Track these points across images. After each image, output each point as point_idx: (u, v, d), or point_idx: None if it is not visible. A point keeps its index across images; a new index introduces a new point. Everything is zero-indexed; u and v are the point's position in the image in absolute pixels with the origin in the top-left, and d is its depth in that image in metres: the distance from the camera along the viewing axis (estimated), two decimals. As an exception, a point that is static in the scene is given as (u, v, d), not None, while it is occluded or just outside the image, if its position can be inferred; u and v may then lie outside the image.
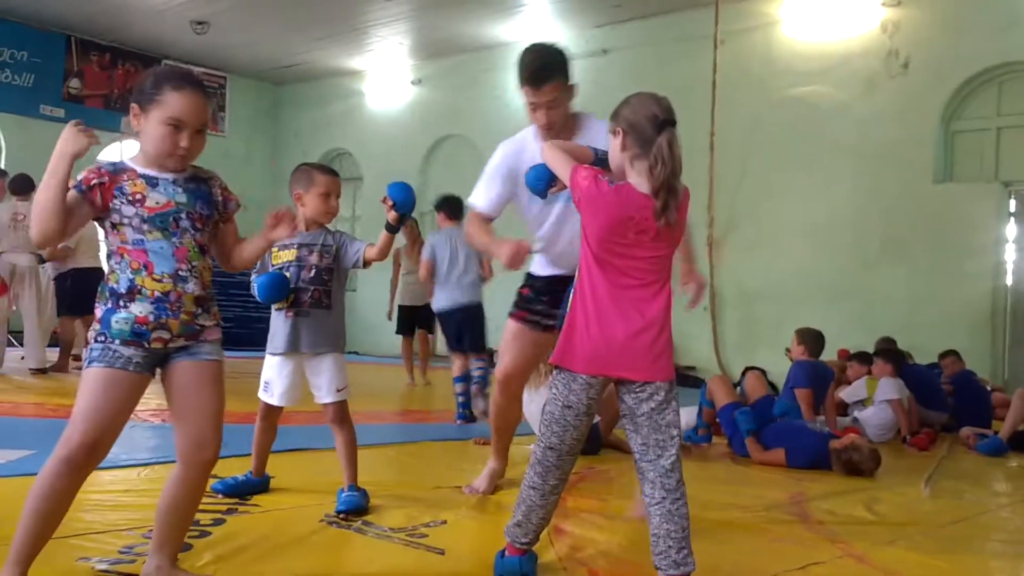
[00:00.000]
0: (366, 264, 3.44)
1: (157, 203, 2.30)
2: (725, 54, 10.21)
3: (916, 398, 6.64)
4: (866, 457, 4.88)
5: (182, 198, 2.33)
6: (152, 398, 6.70)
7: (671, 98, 2.55)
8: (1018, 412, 6.15)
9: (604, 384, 2.54)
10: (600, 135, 3.06)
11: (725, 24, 10.22)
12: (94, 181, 2.27)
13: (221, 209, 2.43)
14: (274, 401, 3.52)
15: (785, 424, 5.40)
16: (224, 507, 3.34)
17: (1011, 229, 9.36)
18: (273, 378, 3.51)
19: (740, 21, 10.50)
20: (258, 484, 3.61)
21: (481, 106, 13.43)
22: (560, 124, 3.38)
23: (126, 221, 2.28)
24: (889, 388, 6.40)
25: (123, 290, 2.26)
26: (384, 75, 14.82)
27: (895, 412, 6.32)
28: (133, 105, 2.34)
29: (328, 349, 3.46)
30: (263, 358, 3.56)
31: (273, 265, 3.49)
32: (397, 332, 9.00)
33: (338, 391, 3.46)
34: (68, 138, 2.21)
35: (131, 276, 2.27)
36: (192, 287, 2.31)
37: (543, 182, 2.88)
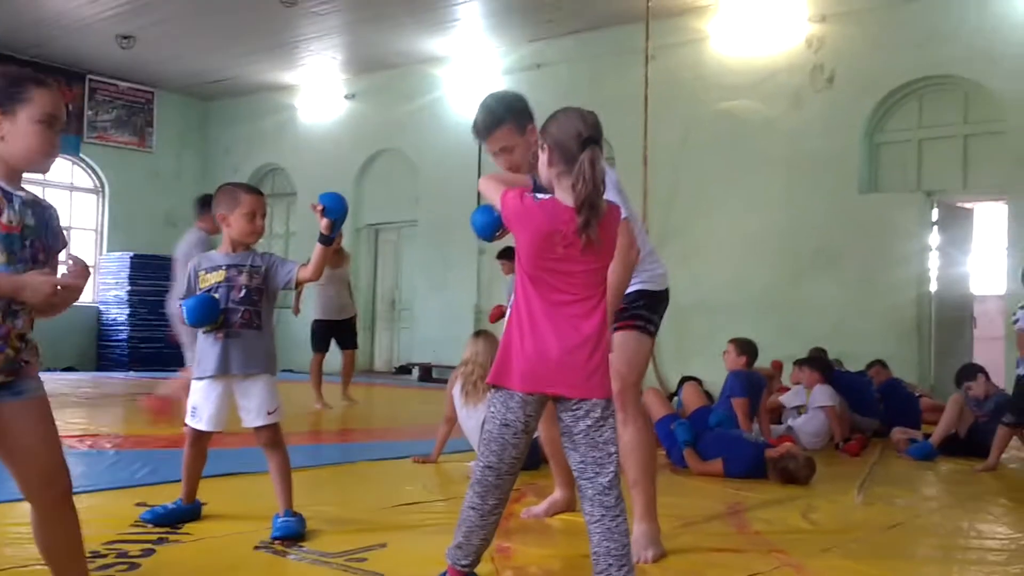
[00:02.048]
0: (297, 285, 3.42)
1: (10, 222, 2.03)
2: (656, 69, 10.33)
3: (848, 404, 6.76)
4: (801, 465, 4.95)
5: (31, 221, 2.07)
6: (77, 422, 6.51)
7: (604, 112, 2.56)
8: (951, 418, 6.30)
9: (542, 402, 2.53)
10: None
11: (656, 39, 10.35)
12: None
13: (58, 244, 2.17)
14: (202, 426, 3.43)
15: (722, 434, 5.45)
16: (154, 536, 3.24)
17: (934, 237, 9.63)
18: (200, 402, 3.42)
19: (670, 36, 10.65)
20: (189, 511, 3.51)
21: (415, 120, 13.38)
22: (527, 166, 3.25)
23: None
24: (823, 395, 6.51)
25: None
26: (317, 90, 14.67)
27: (829, 418, 6.43)
28: None
29: (259, 370, 3.39)
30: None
31: (200, 288, 3.41)
32: (314, 349, 8.55)
33: (269, 413, 3.39)
34: (35, 292, 1.97)
35: None
36: (21, 323, 2.06)
37: (489, 228, 2.87)
